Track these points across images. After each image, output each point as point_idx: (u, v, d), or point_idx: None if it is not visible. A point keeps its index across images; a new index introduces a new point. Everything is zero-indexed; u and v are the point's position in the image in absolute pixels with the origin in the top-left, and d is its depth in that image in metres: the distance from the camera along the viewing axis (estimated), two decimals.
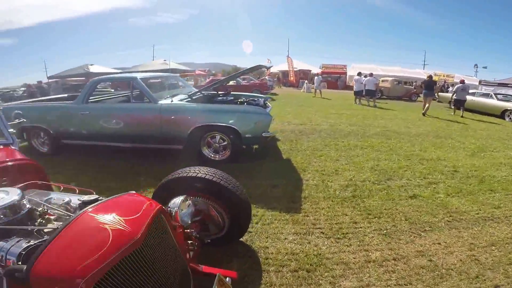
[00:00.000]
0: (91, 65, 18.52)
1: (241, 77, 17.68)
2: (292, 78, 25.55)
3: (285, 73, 27.29)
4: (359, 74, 12.88)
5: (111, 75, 4.58)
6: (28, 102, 5.42)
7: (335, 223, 2.53)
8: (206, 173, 1.95)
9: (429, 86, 9.82)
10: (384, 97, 16.15)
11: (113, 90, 9.21)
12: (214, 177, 1.93)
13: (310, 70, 27.16)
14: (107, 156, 4.63)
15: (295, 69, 26.14)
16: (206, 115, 3.91)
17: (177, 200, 1.49)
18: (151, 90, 4.96)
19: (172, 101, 4.17)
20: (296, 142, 5.20)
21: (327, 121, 7.52)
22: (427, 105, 9.49)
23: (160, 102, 4.09)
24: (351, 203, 2.90)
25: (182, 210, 1.47)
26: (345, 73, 26.20)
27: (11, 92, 16.24)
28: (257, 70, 4.10)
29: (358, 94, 12.30)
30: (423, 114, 9.35)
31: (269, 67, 4.60)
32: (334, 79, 25.93)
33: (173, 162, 4.22)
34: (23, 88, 16.64)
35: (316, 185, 3.31)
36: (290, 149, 4.77)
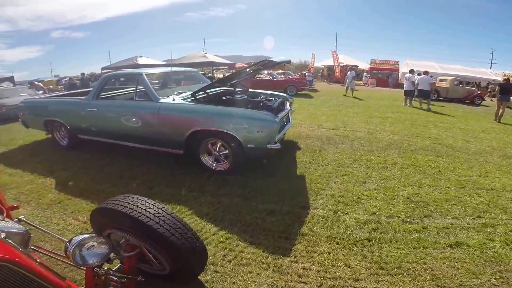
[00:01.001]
0: (140, 57, 19.39)
1: (277, 71, 17.03)
2: (337, 74, 23.96)
3: (330, 69, 25.75)
4: (412, 71, 11.27)
5: (120, 71, 4.43)
6: (53, 95, 5.58)
7: (329, 278, 1.91)
8: (146, 213, 1.48)
9: (505, 90, 8.76)
10: (441, 99, 14.02)
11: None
12: (153, 220, 1.46)
13: (357, 66, 25.19)
14: (116, 155, 4.54)
15: (341, 64, 24.45)
16: (203, 118, 3.48)
17: (82, 237, 1.27)
18: (161, 87, 4.69)
19: (174, 99, 3.80)
20: (319, 153, 4.49)
21: (366, 126, 6.56)
22: (501, 110, 8.42)
23: (161, 100, 3.76)
24: (363, 249, 2.22)
25: (90, 248, 1.27)
26: (398, 70, 23.74)
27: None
28: (263, 66, 3.46)
29: (408, 94, 10.76)
30: (498, 121, 8.36)
31: (282, 62, 3.91)
32: (385, 76, 23.72)
33: (172, 168, 3.92)
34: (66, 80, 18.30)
35: (325, 217, 2.66)
36: (309, 162, 4.10)
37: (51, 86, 20.14)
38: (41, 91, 13.29)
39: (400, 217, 2.68)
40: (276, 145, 3.23)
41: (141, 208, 1.50)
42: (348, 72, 14.00)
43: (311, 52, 63.49)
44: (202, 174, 3.69)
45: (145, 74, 4.01)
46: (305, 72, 18.39)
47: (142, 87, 4.00)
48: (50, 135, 5.33)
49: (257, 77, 14.70)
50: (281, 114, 3.77)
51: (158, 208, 1.55)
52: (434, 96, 12.90)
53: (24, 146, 5.91)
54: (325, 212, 2.73)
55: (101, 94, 4.52)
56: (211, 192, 3.25)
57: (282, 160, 4.13)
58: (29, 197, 3.32)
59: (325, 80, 24.88)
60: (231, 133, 3.31)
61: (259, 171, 3.72)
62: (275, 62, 3.53)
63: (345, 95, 13.55)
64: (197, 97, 3.81)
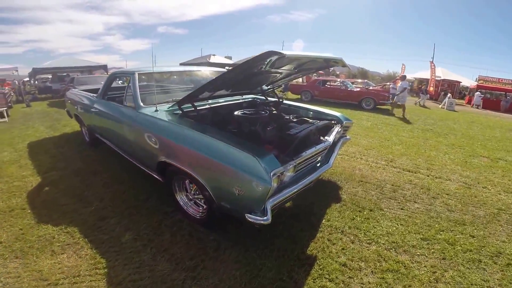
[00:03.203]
0: (213, 55, 19.82)
1: (351, 80, 14.67)
2: (431, 89, 19.81)
3: (422, 82, 21.61)
4: None
5: (121, 69, 3.71)
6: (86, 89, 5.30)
7: None
8: None
9: None
10: None
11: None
12: None
13: (459, 82, 20.40)
14: (112, 163, 4.08)
15: (437, 78, 20.14)
16: (169, 147, 2.30)
17: None
18: (163, 91, 3.75)
19: (156, 109, 2.74)
20: (367, 216, 2.80)
21: (463, 172, 4.26)
22: None
23: (141, 110, 2.77)
24: None
25: None
26: None
27: None
28: (266, 59, 1.86)
29: None
30: None
31: (314, 57, 2.33)
32: (495, 97, 18.56)
33: (144, 198, 2.97)
34: None
35: None
36: (341, 231, 2.50)
37: None
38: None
39: None
40: (262, 219, 1.79)
41: None
42: (400, 82, 10.03)
43: (401, 62, 55.92)
44: (170, 216, 2.60)
45: (138, 74, 3.13)
46: (389, 83, 15.50)
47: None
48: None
49: (327, 84, 12.91)
50: (306, 153, 2.29)
51: None
52: None
53: (57, 136, 5.92)
54: None
55: (108, 93, 3.89)
56: (159, 249, 2.18)
57: (298, 220, 2.65)
58: None
59: (415, 95, 20.92)
60: (199, 180, 2.11)
61: (249, 235, 2.35)
62: (283, 54, 1.87)
63: (391, 111, 10.27)
64: (184, 109, 2.65)
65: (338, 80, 14.09)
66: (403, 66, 23.47)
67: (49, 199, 2.99)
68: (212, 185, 2.05)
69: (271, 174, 1.72)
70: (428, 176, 4.03)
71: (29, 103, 11.76)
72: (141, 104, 2.85)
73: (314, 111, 3.55)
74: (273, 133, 2.68)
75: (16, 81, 15.42)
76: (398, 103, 9.69)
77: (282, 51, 1.68)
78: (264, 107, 3.56)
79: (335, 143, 2.95)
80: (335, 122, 3.25)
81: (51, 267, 2.03)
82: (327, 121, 3.13)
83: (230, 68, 2.06)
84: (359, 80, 16.13)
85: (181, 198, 2.56)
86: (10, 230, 2.44)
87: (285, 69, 2.80)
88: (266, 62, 2.06)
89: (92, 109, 3.93)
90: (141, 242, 2.26)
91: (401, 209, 3.01)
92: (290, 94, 14.21)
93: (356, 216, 2.78)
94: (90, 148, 4.80)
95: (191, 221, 2.48)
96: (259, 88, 3.66)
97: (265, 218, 1.77)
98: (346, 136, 3.39)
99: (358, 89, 12.13)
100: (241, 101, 3.68)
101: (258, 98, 3.93)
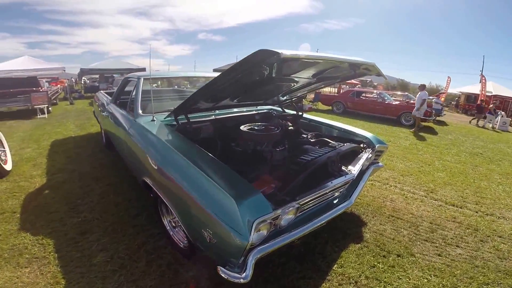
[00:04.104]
0: None
1: (389, 93, 13.50)
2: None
3: (470, 98, 19.53)
4: None
5: (132, 73, 3.51)
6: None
7: None
8: None
9: None
10: None
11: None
12: None
13: None
14: (124, 170, 3.86)
15: (488, 93, 18.00)
16: (151, 163, 1.95)
17: None
18: (174, 97, 3.53)
19: (153, 119, 2.46)
20: (393, 264, 2.21)
21: None
22: None
23: (138, 119, 2.52)
24: None
25: None
26: None
27: None
28: (263, 62, 1.36)
29: None
30: None
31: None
32: None
33: (134, 214, 2.66)
34: None
35: None
36: (356, 282, 1.96)
37: None
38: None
39: None
40: (238, 276, 1.32)
41: None
42: (419, 93, 8.91)
43: (447, 75, 51.48)
44: (154, 240, 2.28)
45: (144, 79, 2.91)
46: (432, 97, 14.08)
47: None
48: None
49: (362, 96, 11.99)
50: (317, 191, 1.82)
51: None
52: None
53: (81, 136, 6.04)
54: None
55: (121, 97, 3.77)
56: (127, 278, 1.89)
57: (302, 262, 2.16)
58: None
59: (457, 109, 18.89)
60: (173, 211, 1.77)
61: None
62: (279, 53, 1.24)
63: (412, 133, 8.52)
64: (181, 120, 2.32)
65: (375, 91, 13.10)
66: (448, 79, 21.35)
67: (42, 204, 2.86)
68: (185, 221, 1.69)
69: (254, 225, 1.29)
70: (476, 212, 3.28)
71: (72, 101, 12.57)
72: (140, 112, 2.61)
73: (340, 130, 2.99)
74: (282, 156, 2.25)
75: (73, 79, 16.80)
76: (416, 115, 8.79)
77: (277, 50, 1.27)
78: (280, 121, 3.13)
79: (362, 171, 2.40)
80: (365, 145, 2.66)
81: (7, 280, 1.82)
82: (354, 145, 2.54)
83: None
84: (399, 93, 14.84)
85: (168, 222, 2.23)
86: None
87: (301, 76, 2.37)
88: (267, 66, 1.66)
89: (104, 112, 3.85)
90: (112, 266, 1.96)
91: (438, 255, 2.39)
92: (320, 105, 13.50)
93: (379, 262, 2.22)
94: (106, 150, 4.75)
95: (174, 249, 2.14)
96: (275, 99, 3.25)
97: (242, 275, 1.32)
98: (378, 162, 2.78)
99: (397, 102, 11.05)
100: (253, 112, 3.28)
101: (275, 110, 3.52)
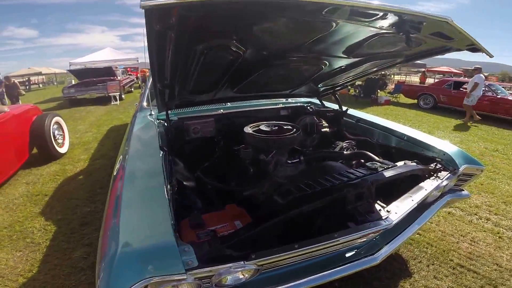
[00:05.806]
0: None
1: (504, 85, 9.99)
2: None
3: None
4: None
5: None
6: None
7: None
8: None
9: None
10: None
11: None
12: None
13: None
14: None
15: None
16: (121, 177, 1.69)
17: None
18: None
19: (151, 113, 2.36)
20: None
21: None
22: None
23: (140, 111, 2.47)
24: None
25: None
26: None
27: None
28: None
29: None
30: None
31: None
32: None
33: None
34: None
35: None
36: None
37: None
38: None
39: None
40: None
41: None
42: (475, 75, 6.97)
43: None
44: None
45: None
46: None
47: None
48: None
49: (462, 88, 8.70)
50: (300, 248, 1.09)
51: None
52: None
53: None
54: None
55: None
56: (88, 280, 1.82)
57: None
58: None
59: None
60: None
61: None
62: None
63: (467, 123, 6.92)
64: (170, 116, 2.07)
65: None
66: None
67: (69, 190, 3.13)
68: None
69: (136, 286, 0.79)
70: None
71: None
72: (144, 104, 2.55)
73: (403, 137, 2.09)
74: (292, 173, 1.75)
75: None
76: (467, 103, 7.01)
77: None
78: (314, 119, 2.43)
79: (426, 204, 1.62)
80: (439, 166, 1.74)
81: None
82: (416, 166, 1.67)
83: None
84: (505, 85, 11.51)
85: None
86: (10, 216, 2.60)
87: (336, 55, 1.71)
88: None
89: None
90: (84, 264, 1.94)
91: None
92: (402, 97, 10.73)
93: None
94: None
95: None
96: (311, 86, 2.46)
97: None
98: (462, 190, 1.88)
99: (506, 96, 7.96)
100: (280, 106, 2.71)
101: (314, 104, 2.84)
